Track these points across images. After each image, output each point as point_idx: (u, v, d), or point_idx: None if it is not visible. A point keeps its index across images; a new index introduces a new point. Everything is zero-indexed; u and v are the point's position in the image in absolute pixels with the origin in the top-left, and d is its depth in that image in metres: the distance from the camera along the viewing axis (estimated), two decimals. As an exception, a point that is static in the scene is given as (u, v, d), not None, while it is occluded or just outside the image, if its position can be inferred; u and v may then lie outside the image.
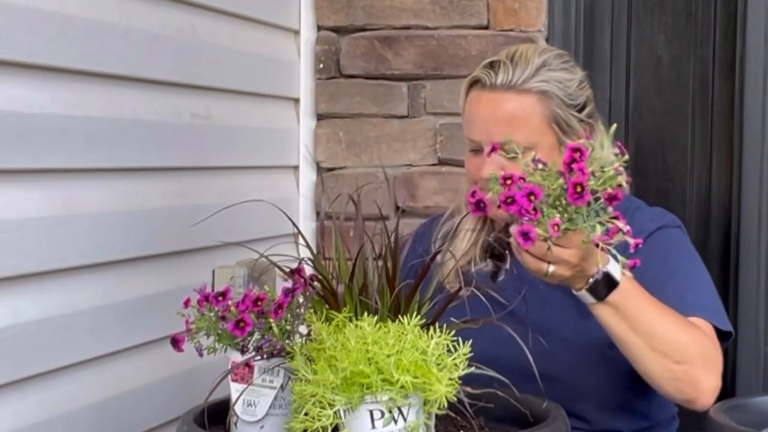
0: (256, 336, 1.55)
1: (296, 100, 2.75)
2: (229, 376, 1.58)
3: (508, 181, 1.50)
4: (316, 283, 1.58)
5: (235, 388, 1.58)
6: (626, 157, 1.54)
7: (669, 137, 2.80)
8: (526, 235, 1.50)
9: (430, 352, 1.45)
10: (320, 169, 2.76)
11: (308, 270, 1.61)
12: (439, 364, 1.45)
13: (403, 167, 2.71)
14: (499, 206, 1.52)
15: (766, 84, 2.64)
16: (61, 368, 1.84)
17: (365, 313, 1.50)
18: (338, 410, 1.44)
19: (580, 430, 1.93)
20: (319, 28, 2.75)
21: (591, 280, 1.65)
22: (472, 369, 1.48)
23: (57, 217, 1.82)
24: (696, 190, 2.79)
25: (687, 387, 1.75)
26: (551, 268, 1.60)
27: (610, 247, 1.55)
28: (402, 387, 1.42)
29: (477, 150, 1.93)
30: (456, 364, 1.46)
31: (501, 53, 1.96)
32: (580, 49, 2.71)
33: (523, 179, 1.51)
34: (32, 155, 1.76)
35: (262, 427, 1.57)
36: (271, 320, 1.53)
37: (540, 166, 1.54)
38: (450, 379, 1.45)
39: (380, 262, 1.57)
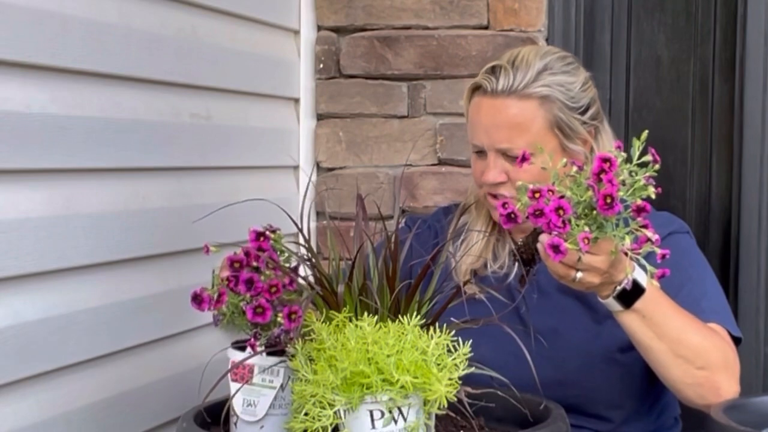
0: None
1: (296, 100, 2.75)
2: (229, 375, 1.58)
3: (537, 195, 1.50)
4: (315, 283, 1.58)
5: (234, 388, 1.58)
6: (657, 165, 1.53)
7: (669, 137, 2.79)
8: (556, 248, 1.50)
9: (430, 352, 1.45)
10: (320, 169, 2.76)
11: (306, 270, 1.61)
12: (439, 364, 1.45)
13: (403, 167, 2.71)
14: (527, 217, 1.52)
15: (766, 84, 2.64)
16: (61, 368, 1.84)
17: (365, 313, 1.50)
18: (338, 410, 1.44)
19: (588, 430, 1.93)
20: (319, 28, 2.75)
21: (618, 287, 1.65)
22: (473, 369, 1.48)
23: (57, 217, 1.82)
24: (696, 190, 2.79)
25: (708, 392, 1.75)
26: (579, 275, 1.59)
27: (638, 256, 1.55)
28: (402, 387, 1.42)
29: (481, 152, 1.93)
30: (456, 364, 1.46)
31: (503, 57, 1.95)
32: (580, 49, 2.71)
33: (552, 191, 1.51)
34: (32, 155, 1.76)
35: (262, 426, 1.56)
36: (280, 318, 1.52)
37: (574, 170, 1.53)
38: (450, 379, 1.45)
39: (380, 262, 1.57)
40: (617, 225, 1.52)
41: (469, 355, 1.48)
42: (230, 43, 2.41)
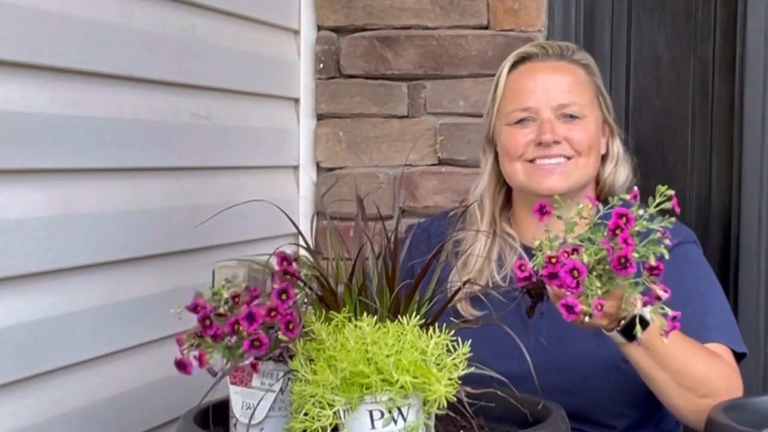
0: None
1: (296, 100, 2.75)
2: (228, 379, 1.58)
3: (553, 260, 1.49)
4: (314, 283, 1.57)
5: (234, 391, 1.58)
6: (673, 219, 1.52)
7: (669, 137, 2.80)
8: (570, 309, 1.49)
9: (430, 352, 1.45)
10: (320, 169, 2.76)
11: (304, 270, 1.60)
12: (438, 364, 1.45)
13: (403, 167, 2.71)
14: (540, 277, 1.51)
15: (766, 84, 2.64)
16: (61, 368, 1.84)
17: (365, 313, 1.50)
18: (338, 410, 1.44)
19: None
20: (319, 28, 2.75)
21: (623, 322, 1.63)
22: (472, 369, 1.48)
23: (57, 217, 1.82)
24: (696, 190, 2.79)
25: None
26: (588, 319, 1.55)
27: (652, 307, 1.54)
28: (402, 387, 1.42)
29: (524, 120, 1.94)
30: (455, 364, 1.46)
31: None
32: (580, 49, 2.71)
33: (567, 253, 1.49)
34: (32, 155, 1.76)
35: (261, 429, 1.56)
36: (282, 336, 1.49)
37: (590, 207, 1.53)
38: (449, 379, 1.45)
39: (379, 262, 1.57)
40: (629, 282, 1.51)
41: (471, 358, 1.48)
42: (230, 43, 2.41)
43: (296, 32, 2.74)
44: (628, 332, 1.64)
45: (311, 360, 1.48)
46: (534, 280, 1.55)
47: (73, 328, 1.87)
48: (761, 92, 2.64)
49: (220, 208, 1.95)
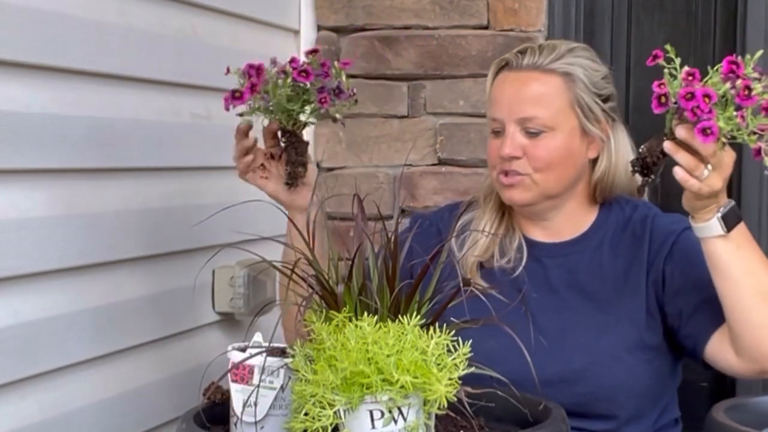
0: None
1: (296, 100, 2.74)
2: (229, 376, 1.58)
3: (690, 77, 1.56)
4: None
5: (234, 389, 1.58)
6: None
7: (669, 137, 2.79)
8: (707, 131, 1.55)
9: (430, 352, 1.45)
10: (320, 169, 2.76)
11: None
12: (439, 364, 1.45)
13: (403, 167, 2.71)
14: (675, 102, 1.57)
15: (766, 84, 2.64)
16: (61, 368, 1.84)
17: (365, 313, 1.50)
18: (338, 410, 1.44)
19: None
20: (319, 28, 2.75)
21: (722, 208, 1.72)
22: (473, 369, 1.48)
23: (57, 217, 1.82)
24: (696, 190, 2.78)
25: None
26: (707, 172, 1.64)
27: None
28: (402, 387, 1.42)
29: (498, 131, 1.95)
30: (456, 364, 1.46)
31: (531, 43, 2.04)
32: (580, 49, 2.71)
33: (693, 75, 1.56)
34: (32, 155, 1.76)
35: (262, 427, 1.56)
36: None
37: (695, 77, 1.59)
38: (450, 379, 1.45)
39: (380, 262, 1.57)
40: (750, 119, 1.57)
41: (477, 349, 1.48)
42: (230, 43, 2.41)
43: (296, 32, 2.74)
44: (726, 221, 1.72)
45: (311, 360, 1.48)
46: (669, 105, 1.59)
47: (73, 328, 1.87)
48: (761, 92, 2.64)
49: (220, 208, 1.95)
